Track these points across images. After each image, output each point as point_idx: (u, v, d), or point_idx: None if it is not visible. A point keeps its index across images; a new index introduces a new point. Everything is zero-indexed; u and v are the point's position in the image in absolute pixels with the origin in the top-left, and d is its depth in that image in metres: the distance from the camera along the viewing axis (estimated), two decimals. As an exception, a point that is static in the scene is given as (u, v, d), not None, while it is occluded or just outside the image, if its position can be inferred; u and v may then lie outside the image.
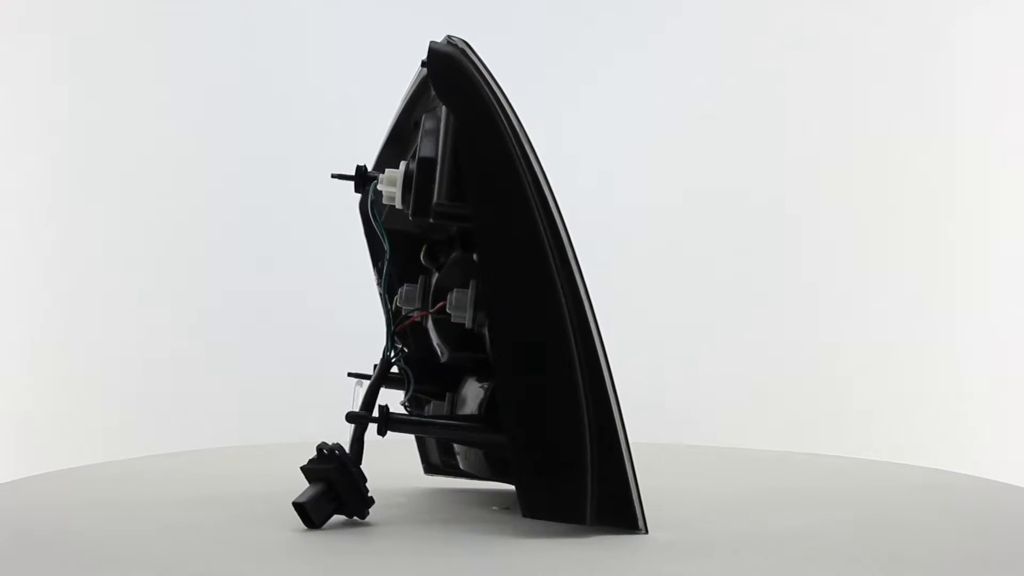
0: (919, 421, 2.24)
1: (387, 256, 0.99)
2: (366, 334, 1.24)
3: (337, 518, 0.95)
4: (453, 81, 0.89)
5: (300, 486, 0.93)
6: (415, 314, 0.99)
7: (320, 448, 0.94)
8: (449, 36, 0.91)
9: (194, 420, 2.21)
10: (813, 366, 2.26)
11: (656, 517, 0.90)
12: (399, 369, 1.01)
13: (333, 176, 1.00)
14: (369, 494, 0.94)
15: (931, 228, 2.29)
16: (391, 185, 0.96)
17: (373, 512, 0.96)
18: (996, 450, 2.20)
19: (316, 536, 0.90)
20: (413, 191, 0.93)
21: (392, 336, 0.99)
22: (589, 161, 2.30)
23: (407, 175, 0.93)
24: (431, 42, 0.90)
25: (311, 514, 0.91)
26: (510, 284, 0.89)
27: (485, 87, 0.88)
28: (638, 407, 2.19)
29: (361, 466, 0.95)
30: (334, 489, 0.93)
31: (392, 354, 0.99)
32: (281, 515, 0.95)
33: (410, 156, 0.96)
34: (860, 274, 2.28)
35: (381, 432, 0.96)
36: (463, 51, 0.89)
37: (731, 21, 2.32)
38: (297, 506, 0.92)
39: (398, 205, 0.95)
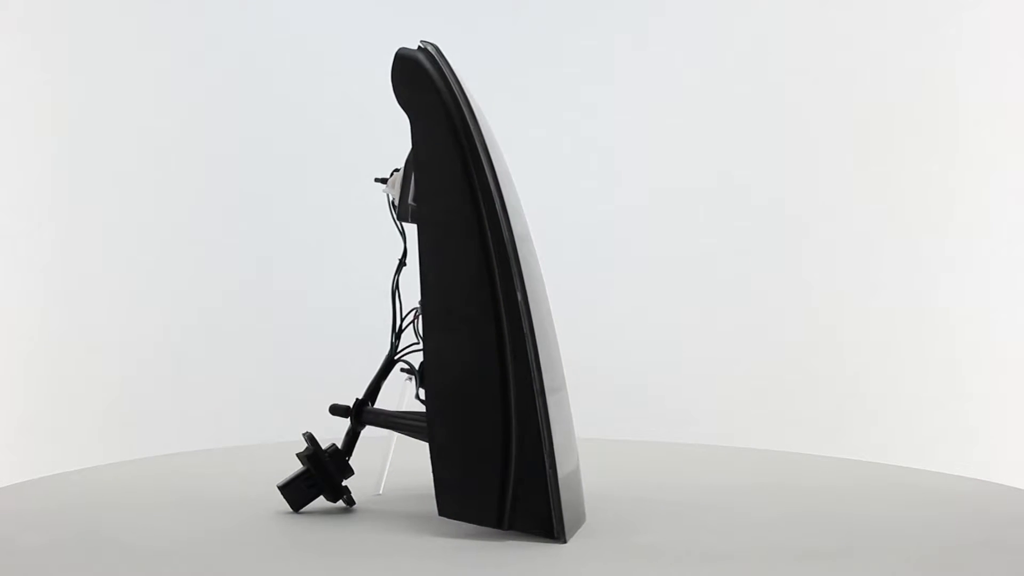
0: (919, 422, 2.24)
1: (401, 256, 1.02)
2: (369, 333, 1.24)
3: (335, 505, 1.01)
4: (406, 83, 0.91)
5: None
6: (412, 313, 1.02)
7: (303, 437, 1.02)
8: (421, 41, 0.92)
9: (194, 420, 2.21)
10: (813, 366, 2.26)
11: (598, 521, 0.92)
12: (407, 366, 1.04)
13: (376, 180, 1.04)
14: (344, 484, 1.00)
15: (931, 228, 2.29)
16: (392, 188, 0.99)
17: (359, 502, 1.02)
18: (996, 451, 2.19)
19: (269, 528, 0.94)
20: (399, 193, 0.97)
21: (396, 335, 1.02)
22: (589, 161, 2.30)
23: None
24: (399, 49, 0.92)
25: (287, 498, 0.99)
26: (443, 285, 0.90)
27: (443, 89, 0.89)
28: (637, 407, 2.20)
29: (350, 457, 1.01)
30: (314, 476, 1.00)
31: (397, 353, 1.02)
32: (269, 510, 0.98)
33: None
34: (860, 274, 2.28)
35: (355, 424, 1.01)
36: (428, 55, 0.91)
37: (732, 19, 2.32)
38: (279, 489, 1.00)
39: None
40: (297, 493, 0.99)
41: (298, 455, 1.00)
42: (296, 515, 0.99)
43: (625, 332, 2.27)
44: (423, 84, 0.89)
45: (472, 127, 0.88)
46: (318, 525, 0.96)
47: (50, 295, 2.26)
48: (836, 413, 2.24)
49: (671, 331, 2.27)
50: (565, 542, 0.86)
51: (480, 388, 0.87)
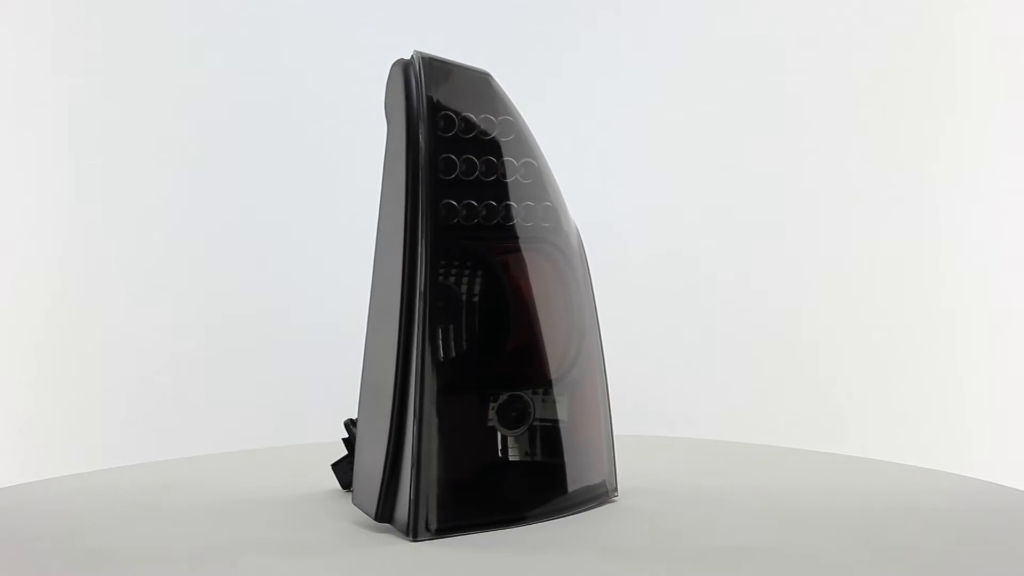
0: (919, 422, 2.24)
1: None
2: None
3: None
4: (388, 93, 0.95)
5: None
6: None
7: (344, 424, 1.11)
8: (416, 51, 0.94)
9: (197, 422, 2.21)
10: (813, 366, 2.27)
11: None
12: None
13: None
14: None
15: (930, 227, 2.29)
16: None
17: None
18: (996, 451, 2.20)
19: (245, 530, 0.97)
20: None
21: None
22: (589, 162, 2.30)
23: None
24: (397, 60, 0.95)
25: (337, 476, 1.10)
26: (376, 282, 0.96)
27: (413, 100, 0.92)
28: (639, 410, 2.20)
29: None
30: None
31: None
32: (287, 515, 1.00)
33: None
34: (861, 274, 2.29)
35: None
36: (415, 65, 0.93)
37: (733, 20, 2.33)
38: (332, 467, 1.10)
39: None
40: (342, 473, 1.09)
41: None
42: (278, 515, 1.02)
43: (624, 331, 2.27)
44: (397, 94, 0.93)
45: (424, 139, 0.90)
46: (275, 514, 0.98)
47: (54, 296, 2.27)
48: (836, 413, 2.24)
49: (671, 330, 2.28)
50: (414, 540, 0.88)
51: (384, 384, 0.92)
